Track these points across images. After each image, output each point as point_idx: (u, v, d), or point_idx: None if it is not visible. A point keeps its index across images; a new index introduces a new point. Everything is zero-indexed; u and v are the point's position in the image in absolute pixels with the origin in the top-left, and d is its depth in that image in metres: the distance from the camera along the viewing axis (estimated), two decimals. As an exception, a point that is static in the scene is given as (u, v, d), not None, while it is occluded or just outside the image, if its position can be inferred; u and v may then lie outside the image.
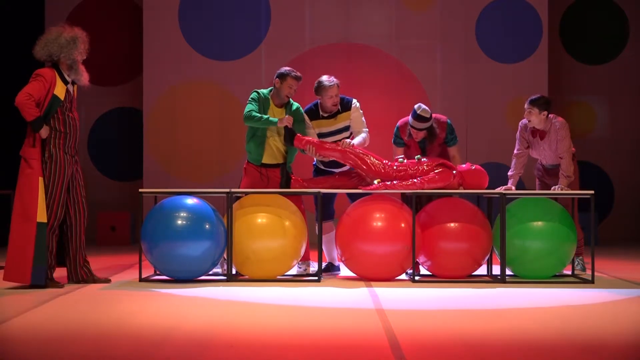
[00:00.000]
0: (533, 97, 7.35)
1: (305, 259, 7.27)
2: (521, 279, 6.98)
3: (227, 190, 6.96)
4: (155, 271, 7.11)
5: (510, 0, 10.98)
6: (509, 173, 7.46)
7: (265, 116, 7.06)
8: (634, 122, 11.63)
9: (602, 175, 11.54)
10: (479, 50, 10.99)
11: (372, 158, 7.07)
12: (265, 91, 7.26)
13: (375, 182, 7.05)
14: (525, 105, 7.30)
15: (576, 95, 11.61)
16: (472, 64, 11.00)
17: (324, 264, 7.43)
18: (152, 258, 6.77)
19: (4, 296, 6.05)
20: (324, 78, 7.25)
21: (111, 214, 10.99)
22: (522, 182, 9.63)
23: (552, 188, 7.26)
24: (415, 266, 7.01)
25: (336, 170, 7.33)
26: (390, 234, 6.85)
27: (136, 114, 11.49)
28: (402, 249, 6.84)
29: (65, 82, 6.59)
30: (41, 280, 6.37)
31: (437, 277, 7.02)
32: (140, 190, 7.15)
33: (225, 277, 6.96)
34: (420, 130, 7.22)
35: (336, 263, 7.55)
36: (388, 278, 6.94)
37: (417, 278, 6.99)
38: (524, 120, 7.40)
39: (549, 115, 7.29)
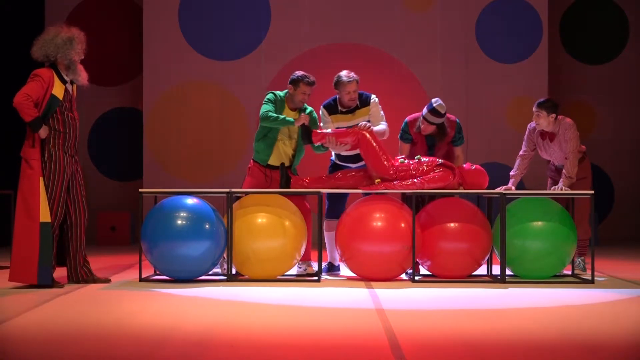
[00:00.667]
0: (540, 100, 7.33)
1: (305, 259, 7.27)
2: (521, 279, 6.98)
3: (227, 190, 6.96)
4: (155, 271, 7.11)
5: (510, 0, 10.98)
6: (511, 173, 7.46)
7: (282, 116, 7.06)
8: (634, 122, 11.63)
9: (602, 175, 11.54)
10: (479, 50, 11.00)
11: (384, 157, 7.03)
12: (281, 93, 7.23)
13: (375, 181, 7.05)
14: (533, 109, 7.29)
15: (576, 95, 11.61)
16: (472, 63, 11.01)
17: (324, 264, 7.43)
18: (152, 258, 6.77)
19: (5, 296, 6.06)
20: (343, 73, 7.27)
21: (111, 214, 10.99)
22: (522, 183, 9.63)
23: (553, 188, 7.27)
24: (415, 266, 7.01)
25: (353, 165, 7.32)
26: (390, 234, 6.85)
27: (136, 114, 11.49)
28: (402, 249, 6.84)
29: (64, 82, 6.60)
30: (48, 280, 6.38)
31: (437, 277, 7.02)
32: (140, 190, 7.15)
33: (225, 277, 6.97)
34: (432, 124, 7.21)
35: (336, 263, 7.55)
36: (388, 278, 6.95)
37: (417, 278, 6.99)
38: (533, 124, 7.38)
39: (558, 117, 7.29)
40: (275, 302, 5.84)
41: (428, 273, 7.18)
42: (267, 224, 6.83)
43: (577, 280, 7.01)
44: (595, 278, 6.90)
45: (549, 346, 4.39)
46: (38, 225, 6.37)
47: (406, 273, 7.12)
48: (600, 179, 11.44)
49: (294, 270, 7.25)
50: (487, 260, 7.20)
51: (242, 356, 4.12)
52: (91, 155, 11.59)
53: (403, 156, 7.29)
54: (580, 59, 11.65)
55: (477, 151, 10.83)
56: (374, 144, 7.03)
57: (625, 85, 11.64)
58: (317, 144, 7.11)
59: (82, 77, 6.67)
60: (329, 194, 7.36)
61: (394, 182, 7.01)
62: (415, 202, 6.92)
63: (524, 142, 7.49)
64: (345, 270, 7.45)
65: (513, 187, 7.35)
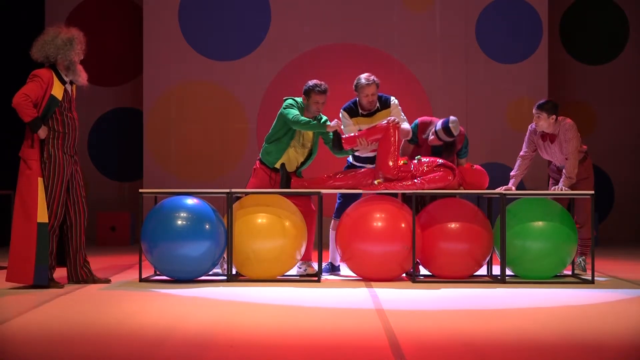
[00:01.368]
0: (541, 101, 7.33)
1: (306, 259, 7.27)
2: (521, 279, 6.98)
3: (227, 190, 6.96)
4: (155, 271, 7.11)
5: (510, 0, 10.98)
6: (512, 173, 7.46)
7: (314, 121, 7.04)
8: (634, 122, 11.64)
9: (602, 176, 11.54)
10: (479, 50, 11.00)
11: (394, 156, 7.01)
12: (300, 100, 7.20)
13: (376, 182, 7.05)
14: (534, 111, 7.28)
15: (576, 95, 11.62)
16: (472, 64, 11.01)
17: (324, 264, 7.43)
18: (152, 258, 6.77)
19: (5, 296, 6.06)
20: (363, 76, 7.27)
21: (111, 214, 11.00)
22: (522, 183, 9.63)
23: (553, 188, 7.27)
24: (416, 266, 7.01)
25: (370, 166, 7.31)
26: (390, 234, 6.85)
27: (136, 114, 11.49)
28: (402, 249, 6.84)
29: (63, 82, 6.59)
30: (44, 280, 6.38)
31: (437, 278, 7.02)
32: (140, 190, 7.15)
33: (225, 277, 6.97)
34: (440, 140, 7.19)
35: (337, 263, 7.55)
36: (388, 278, 6.95)
37: (417, 278, 6.99)
38: (533, 125, 7.38)
39: (558, 118, 7.29)
40: (275, 302, 5.84)
41: (428, 273, 7.18)
42: (267, 224, 6.83)
43: (578, 281, 7.01)
44: (595, 278, 6.90)
45: (549, 346, 4.39)
46: (35, 225, 6.37)
47: (406, 273, 7.12)
48: (601, 179, 11.44)
49: (294, 271, 7.25)
50: (488, 260, 7.20)
51: (243, 356, 4.12)
52: (91, 156, 11.59)
53: (406, 158, 7.25)
54: (580, 59, 11.65)
55: (478, 151, 10.83)
56: (394, 142, 7.02)
57: (625, 86, 11.64)
58: (349, 148, 7.10)
59: (82, 77, 6.67)
60: (342, 194, 7.34)
61: (394, 183, 7.01)
62: (416, 203, 6.92)
63: (524, 143, 7.49)
64: (345, 271, 7.45)
65: (513, 188, 7.35)
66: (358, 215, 6.96)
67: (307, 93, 7.15)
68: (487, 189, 7.21)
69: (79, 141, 6.81)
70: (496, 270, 7.19)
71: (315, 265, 7.24)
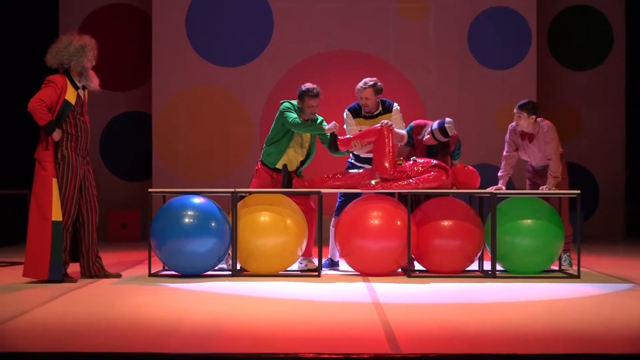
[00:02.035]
0: (522, 102, 7.36)
1: (306, 255, 7.27)
2: (511, 274, 6.98)
3: (232, 190, 6.97)
4: (163, 267, 7.12)
5: (501, 9, 10.98)
6: (499, 174, 7.47)
7: (312, 123, 7.05)
8: (618, 124, 11.64)
9: (587, 176, 11.55)
10: (471, 57, 11.00)
11: (389, 157, 7.01)
12: (295, 103, 7.20)
13: (373, 182, 7.06)
14: (515, 110, 7.31)
15: (563, 99, 11.61)
16: (464, 70, 11.01)
17: (324, 260, 7.44)
18: (161, 254, 6.78)
19: (22, 290, 6.07)
20: (363, 80, 7.28)
21: (122, 212, 11.00)
22: (512, 182, 9.64)
23: (541, 188, 7.28)
24: (411, 262, 7.02)
25: (367, 166, 7.31)
26: (387, 232, 6.86)
27: (145, 117, 11.50)
28: (398, 246, 6.84)
29: (76, 88, 6.60)
30: (59, 275, 6.40)
31: (431, 273, 7.02)
32: (149, 190, 7.16)
33: (230, 273, 6.97)
34: (436, 140, 7.21)
35: (336, 259, 7.55)
36: (385, 273, 6.95)
37: (412, 273, 7.00)
38: (513, 124, 7.41)
39: (537, 119, 7.31)
40: (277, 296, 5.85)
41: (422, 269, 7.18)
42: (270, 222, 6.84)
43: (564, 275, 7.02)
44: (581, 273, 6.91)
45: (537, 337, 4.40)
46: (50, 224, 6.39)
47: (402, 268, 7.12)
48: (586, 179, 11.45)
49: (295, 266, 7.26)
50: (479, 256, 7.20)
51: (246, 347, 4.12)
52: (103, 157, 11.59)
53: (401, 158, 7.26)
54: (567, 66, 11.65)
55: (469, 153, 10.82)
56: (388, 143, 7.03)
57: (609, 90, 11.63)
58: (344, 150, 7.11)
59: (94, 82, 6.67)
60: (343, 194, 7.34)
61: (391, 182, 7.02)
62: (411, 201, 6.93)
63: (506, 143, 7.50)
64: (344, 266, 7.45)
65: (503, 187, 7.36)
66: (356, 214, 6.96)
67: (301, 97, 7.15)
68: (479, 188, 7.22)
69: (91, 143, 6.81)
70: (487, 265, 7.20)
71: (316, 261, 7.24)
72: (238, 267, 6.99)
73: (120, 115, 11.63)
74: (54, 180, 6.45)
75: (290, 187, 7.09)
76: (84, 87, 6.67)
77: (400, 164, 7.13)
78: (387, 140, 7.02)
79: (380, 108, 7.36)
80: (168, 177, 10.85)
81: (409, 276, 6.90)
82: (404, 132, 7.31)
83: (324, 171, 7.51)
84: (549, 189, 7.16)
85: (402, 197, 7.22)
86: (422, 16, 11.02)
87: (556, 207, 7.24)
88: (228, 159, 11.02)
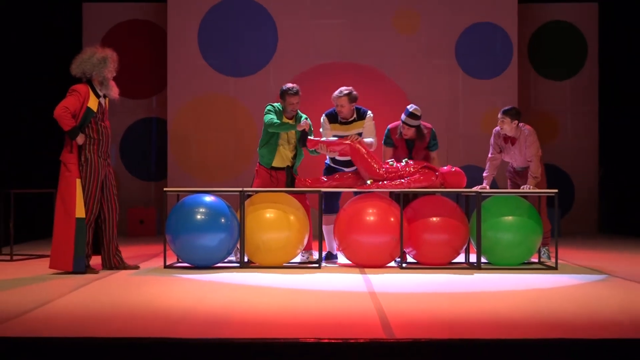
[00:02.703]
0: (505, 108, 7.35)
1: (307, 249, 7.26)
2: (494, 266, 6.97)
3: (240, 189, 6.96)
4: (177, 259, 7.10)
5: (485, 24, 10.97)
6: (484, 174, 7.46)
7: (287, 121, 7.05)
8: (591, 129, 11.63)
9: (564, 176, 11.53)
10: (458, 67, 10.99)
11: (373, 162, 7.05)
12: (278, 105, 7.22)
13: (368, 182, 7.06)
14: (499, 115, 7.30)
15: (542, 106, 11.60)
16: (452, 79, 11.00)
17: (324, 253, 7.43)
18: (175, 248, 6.77)
19: (48, 281, 6.06)
20: (339, 89, 7.26)
21: (140, 209, 10.98)
22: (496, 182, 9.62)
23: (522, 187, 7.26)
24: (403, 255, 7.00)
25: (345, 169, 7.32)
26: (381, 227, 6.85)
27: (161, 123, 11.49)
28: (391, 240, 6.83)
29: (98, 96, 6.59)
30: (82, 267, 6.39)
31: (422, 265, 7.01)
32: (165, 189, 7.15)
33: (238, 265, 6.96)
34: (411, 127, 7.21)
35: (334, 252, 7.54)
36: (379, 265, 6.94)
37: (404, 265, 6.99)
38: (497, 128, 7.40)
39: (519, 124, 7.29)
40: (281, 286, 5.84)
41: (414, 261, 7.17)
42: (275, 219, 6.83)
43: (543, 267, 7.01)
44: (558, 265, 6.90)
45: (518, 324, 4.39)
46: (74, 220, 6.38)
47: (395, 261, 7.11)
48: (563, 179, 11.43)
49: (297, 259, 7.25)
50: (465, 249, 7.19)
51: (253, 332, 4.11)
52: (123, 159, 11.58)
53: (392, 159, 7.28)
54: (545, 76, 11.63)
55: (457, 155, 10.83)
56: (363, 151, 7.05)
57: (584, 98, 11.62)
58: (311, 149, 7.14)
59: (114, 92, 6.66)
60: (325, 193, 7.34)
61: (384, 182, 7.02)
62: (403, 199, 6.92)
63: (491, 147, 7.49)
64: (342, 259, 7.44)
65: (487, 187, 7.35)
66: (353, 211, 6.96)
67: (282, 96, 7.15)
68: (465, 187, 7.21)
69: (111, 147, 6.80)
70: (473, 258, 7.19)
71: (316, 254, 7.23)
72: (245, 259, 6.98)
73: (139, 121, 11.62)
74: (78, 181, 6.44)
75: (293, 187, 7.08)
76: (105, 96, 6.65)
77: (392, 165, 7.13)
78: (361, 150, 7.03)
79: (354, 115, 7.34)
80: (182, 178, 10.84)
81: (402, 268, 6.89)
82: (371, 140, 7.27)
83: (319, 171, 7.53)
84: (529, 189, 7.15)
85: (394, 196, 7.21)
86: (414, 31, 11.01)
87: (536, 205, 7.23)
88: (236, 161, 11.01)
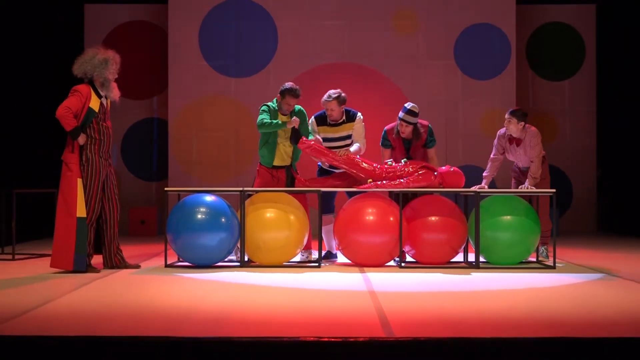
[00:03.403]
0: (512, 109, 7.33)
1: (307, 248, 7.26)
2: (493, 265, 6.97)
3: (240, 189, 6.96)
4: (178, 258, 7.10)
5: (484, 26, 10.97)
6: (484, 174, 7.45)
7: (275, 121, 7.05)
8: (589, 130, 11.63)
9: (562, 176, 11.53)
10: (456, 68, 10.99)
11: (364, 163, 7.08)
12: (272, 103, 7.23)
13: (368, 181, 7.05)
14: (506, 116, 7.28)
15: (540, 107, 11.60)
16: (451, 80, 11.00)
17: (323, 253, 7.42)
18: (176, 247, 6.77)
19: (49, 280, 6.06)
20: (328, 92, 7.26)
21: (141, 209, 10.98)
22: (494, 182, 9.62)
23: (520, 187, 7.26)
24: (402, 254, 7.00)
25: (337, 171, 7.33)
26: (380, 227, 6.85)
27: (163, 123, 11.49)
28: (390, 239, 6.83)
29: (99, 96, 6.59)
30: (82, 266, 6.39)
31: (421, 264, 7.01)
32: (165, 189, 7.15)
33: (238, 264, 6.96)
34: (409, 124, 7.20)
35: (334, 251, 7.54)
36: (379, 264, 6.94)
37: (403, 264, 6.99)
38: (503, 130, 7.38)
39: (525, 125, 7.28)
40: (281, 285, 5.84)
41: (413, 260, 7.17)
42: (275, 218, 6.82)
43: (541, 266, 7.01)
44: (556, 264, 6.90)
45: (516, 322, 4.39)
46: (75, 219, 6.38)
47: (394, 260, 7.11)
48: (561, 179, 11.43)
49: (297, 258, 7.25)
50: (464, 249, 7.19)
51: (253, 331, 4.11)
52: (124, 159, 11.58)
53: (391, 159, 7.28)
54: (544, 76, 11.63)
55: (455, 155, 10.83)
56: (357, 159, 7.06)
57: (582, 99, 11.62)
58: (301, 148, 7.14)
59: (114, 93, 6.65)
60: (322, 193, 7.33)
61: (384, 182, 7.01)
62: (402, 199, 6.92)
63: (494, 147, 7.47)
64: (341, 258, 7.44)
65: (486, 186, 7.34)
66: (353, 210, 6.95)
67: (282, 94, 7.14)
68: (464, 187, 7.21)
69: (113, 147, 6.80)
70: (471, 257, 7.19)
71: (316, 253, 7.23)
72: (246, 258, 6.98)
73: (140, 121, 11.62)
74: (79, 181, 6.44)
75: (293, 187, 7.08)
76: (106, 96, 6.65)
77: (391, 164, 7.13)
78: (355, 163, 7.04)
79: (344, 117, 7.33)
80: (183, 178, 10.84)
81: (401, 267, 6.88)
82: (358, 145, 7.25)
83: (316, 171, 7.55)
84: (528, 188, 7.14)
85: (394, 195, 7.20)
86: (413, 32, 11.01)
87: (534, 205, 7.23)
88: (237, 161, 11.02)
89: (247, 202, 6.94)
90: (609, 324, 4.37)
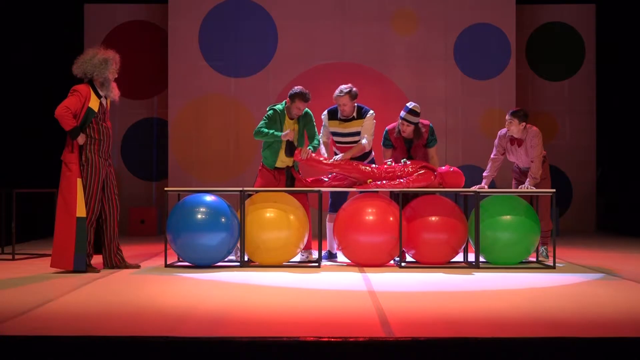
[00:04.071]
0: (514, 109, 7.33)
1: (307, 248, 7.26)
2: (492, 265, 6.97)
3: (240, 189, 6.95)
4: (178, 258, 7.10)
5: (483, 25, 10.97)
6: (484, 174, 7.45)
7: (271, 131, 7.04)
8: (588, 130, 11.63)
9: (562, 176, 11.53)
10: (456, 68, 10.98)
11: (361, 166, 7.07)
12: (280, 106, 7.19)
13: (368, 181, 7.05)
14: (507, 116, 7.28)
15: (539, 107, 11.60)
16: (450, 80, 11.00)
17: (323, 252, 7.42)
18: (176, 247, 6.77)
19: (50, 280, 6.05)
20: (339, 88, 7.25)
21: (141, 209, 10.98)
22: (494, 182, 9.62)
23: (520, 187, 7.26)
24: (402, 254, 7.00)
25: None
26: (380, 226, 6.84)
27: (162, 123, 11.49)
28: (390, 239, 6.83)
29: (99, 97, 6.58)
30: (82, 266, 6.38)
31: (421, 264, 7.01)
32: (165, 188, 7.14)
33: (238, 264, 6.96)
34: (411, 123, 7.19)
35: (334, 251, 7.53)
36: (378, 264, 6.94)
37: (403, 264, 6.98)
38: (503, 130, 7.37)
39: (526, 126, 7.28)
40: (281, 285, 5.84)
41: (413, 260, 7.16)
42: (275, 218, 6.82)
43: (541, 266, 7.00)
44: (556, 264, 6.90)
45: (517, 322, 4.38)
46: (75, 219, 6.37)
47: (394, 260, 7.11)
48: (561, 179, 11.43)
49: (297, 258, 7.24)
50: (463, 249, 7.19)
51: (253, 331, 4.11)
52: (124, 159, 11.57)
53: (391, 159, 7.28)
54: (543, 76, 11.63)
55: (455, 155, 10.83)
56: (352, 165, 7.06)
57: (581, 99, 11.62)
58: (296, 161, 7.13)
59: (114, 93, 6.64)
60: (333, 193, 7.34)
61: (384, 182, 7.01)
62: (402, 199, 6.92)
63: (494, 147, 7.47)
64: (342, 258, 7.44)
65: (486, 186, 7.34)
66: (353, 210, 6.95)
67: (292, 98, 7.12)
68: (464, 187, 7.20)
69: (112, 146, 6.79)
70: (471, 257, 7.19)
71: (316, 253, 7.23)
72: (246, 258, 6.98)
73: (140, 121, 11.62)
74: (79, 180, 6.44)
75: (293, 186, 7.07)
76: (106, 96, 6.65)
77: (390, 164, 7.13)
78: (352, 168, 7.04)
79: (355, 113, 7.32)
80: (182, 177, 10.84)
81: (401, 267, 6.88)
82: (363, 141, 7.23)
83: (317, 171, 7.53)
84: (527, 188, 7.14)
85: (393, 195, 7.20)
86: (413, 32, 11.00)
87: (534, 205, 7.22)
88: (237, 161, 11.01)
89: (247, 202, 6.93)
90: (609, 324, 4.37)
